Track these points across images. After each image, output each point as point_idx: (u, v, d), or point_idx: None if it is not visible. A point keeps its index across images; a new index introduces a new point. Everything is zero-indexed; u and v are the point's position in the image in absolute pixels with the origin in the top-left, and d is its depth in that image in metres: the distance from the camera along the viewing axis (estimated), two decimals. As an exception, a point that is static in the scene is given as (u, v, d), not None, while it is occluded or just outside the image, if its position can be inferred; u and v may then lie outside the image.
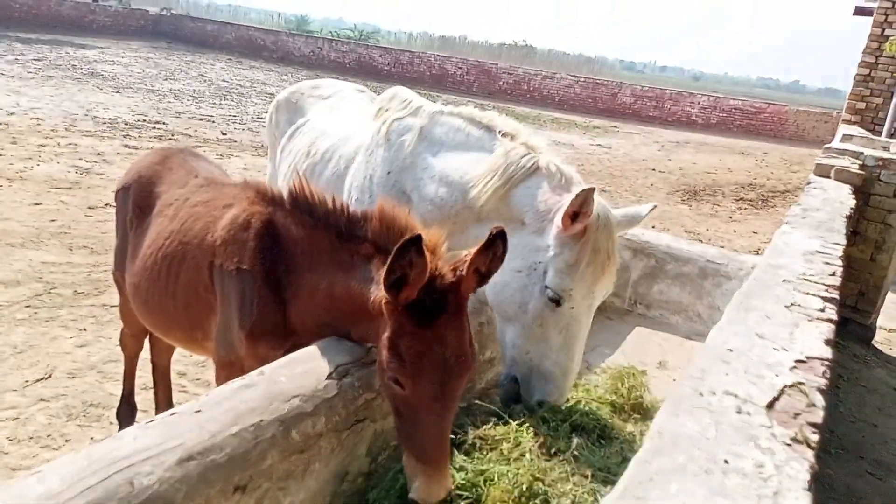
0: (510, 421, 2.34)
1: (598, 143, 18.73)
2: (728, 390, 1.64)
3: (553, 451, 2.27)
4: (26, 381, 4.07)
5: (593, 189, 2.33)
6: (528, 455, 2.15)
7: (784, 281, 2.67)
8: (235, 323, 2.18)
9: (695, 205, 12.24)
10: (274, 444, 1.73)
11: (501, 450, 2.18)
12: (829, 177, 5.39)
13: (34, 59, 19.48)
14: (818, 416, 1.57)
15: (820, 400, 1.64)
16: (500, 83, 29.60)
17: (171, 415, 1.68)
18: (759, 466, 1.34)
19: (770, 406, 1.59)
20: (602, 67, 47.92)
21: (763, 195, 13.69)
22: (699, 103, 27.20)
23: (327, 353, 2.05)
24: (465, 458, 2.14)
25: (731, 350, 1.91)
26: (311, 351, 2.06)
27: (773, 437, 1.45)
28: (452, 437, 1.94)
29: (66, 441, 3.59)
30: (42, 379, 4.14)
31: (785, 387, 1.69)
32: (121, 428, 3.44)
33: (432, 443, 1.74)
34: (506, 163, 2.64)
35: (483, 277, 1.79)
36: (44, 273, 5.68)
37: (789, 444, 1.43)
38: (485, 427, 2.32)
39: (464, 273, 1.74)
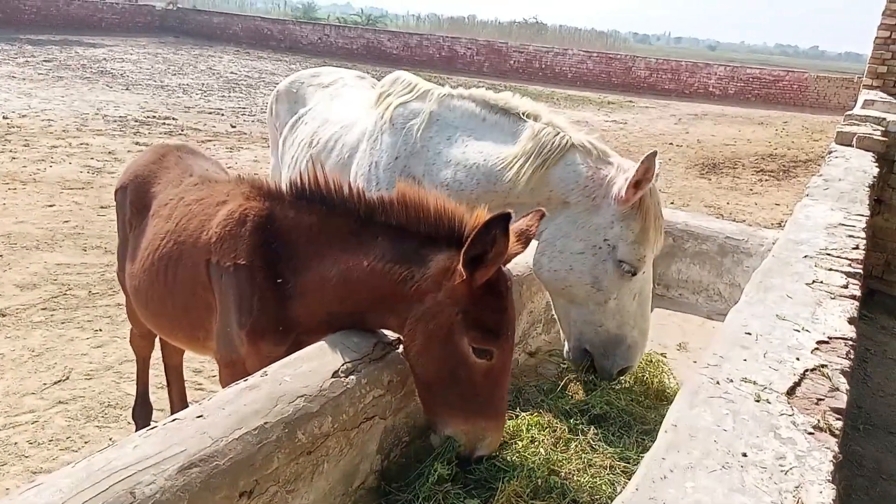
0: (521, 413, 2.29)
1: (613, 119, 18.47)
2: (746, 377, 1.57)
3: (571, 443, 2.21)
4: (44, 384, 4.10)
5: (656, 153, 2.39)
6: (542, 450, 2.10)
7: (805, 257, 2.57)
8: (235, 321, 2.14)
9: (714, 178, 12.02)
10: (279, 447, 1.69)
11: (515, 445, 2.13)
12: (851, 145, 5.23)
13: (44, 61, 19.61)
14: (842, 400, 1.49)
15: (843, 383, 1.57)
16: (512, 62, 29.25)
17: (172, 421, 1.64)
18: (780, 458, 1.27)
19: (791, 392, 1.52)
20: (615, 41, 47.14)
21: (784, 165, 13.42)
22: (716, 74, 26.68)
23: (332, 350, 1.99)
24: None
25: (749, 333, 1.83)
26: (316, 349, 2.00)
27: (794, 426, 1.38)
28: None
29: (86, 443, 3.61)
30: (60, 381, 4.16)
31: (806, 371, 1.61)
32: (137, 429, 3.43)
33: (502, 399, 1.89)
34: (539, 143, 2.63)
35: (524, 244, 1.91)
36: (59, 275, 5.72)
37: (811, 433, 1.36)
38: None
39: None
